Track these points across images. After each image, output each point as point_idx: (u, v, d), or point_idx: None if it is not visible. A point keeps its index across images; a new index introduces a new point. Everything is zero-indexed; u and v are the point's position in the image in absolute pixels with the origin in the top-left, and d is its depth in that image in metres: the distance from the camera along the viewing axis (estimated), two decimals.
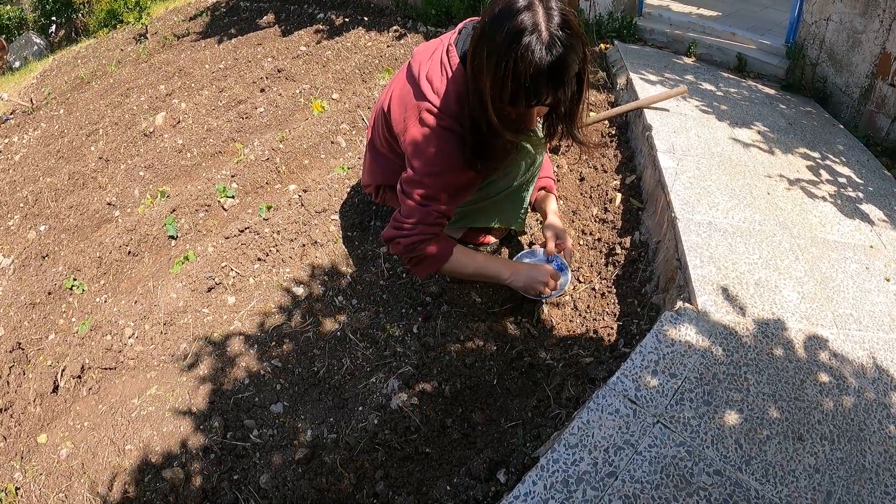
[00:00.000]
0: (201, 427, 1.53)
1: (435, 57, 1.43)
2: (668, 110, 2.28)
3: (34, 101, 5.23)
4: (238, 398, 1.58)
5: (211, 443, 1.48)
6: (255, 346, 1.74)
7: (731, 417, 1.21)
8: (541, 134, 1.56)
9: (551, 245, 1.75)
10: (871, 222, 1.89)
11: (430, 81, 1.40)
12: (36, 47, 7.20)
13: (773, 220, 1.73)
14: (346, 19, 4.57)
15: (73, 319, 2.47)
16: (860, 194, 2.04)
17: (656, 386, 1.23)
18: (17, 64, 7.12)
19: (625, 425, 1.17)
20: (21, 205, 3.52)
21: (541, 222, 1.90)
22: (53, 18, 7.55)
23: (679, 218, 1.64)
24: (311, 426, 1.49)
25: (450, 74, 1.37)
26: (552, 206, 1.85)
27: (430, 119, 1.38)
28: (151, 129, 3.67)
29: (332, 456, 1.39)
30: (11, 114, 5.32)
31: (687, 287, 1.45)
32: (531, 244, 1.97)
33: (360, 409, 1.49)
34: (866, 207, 1.97)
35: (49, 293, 2.59)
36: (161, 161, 3.19)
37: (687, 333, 1.33)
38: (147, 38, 5.87)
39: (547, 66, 1.18)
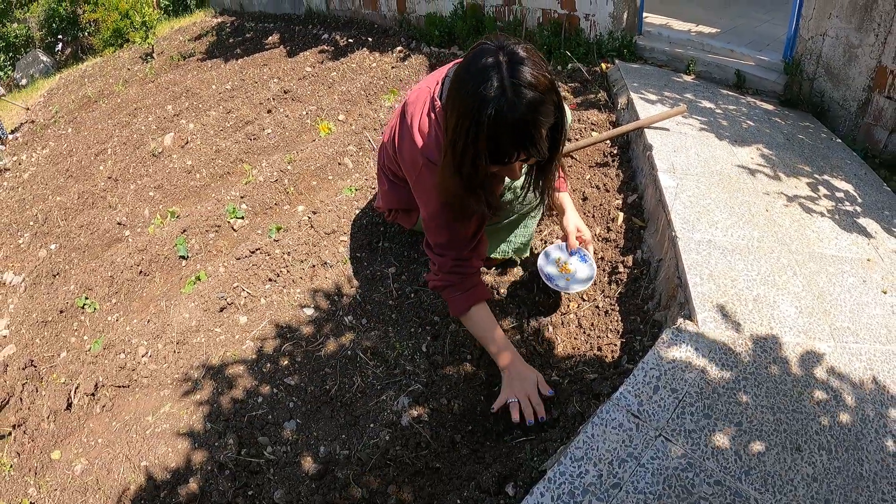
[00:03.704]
0: (216, 444, 1.59)
1: (424, 108, 1.48)
2: (668, 129, 2.36)
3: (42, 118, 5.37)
4: (252, 416, 1.65)
5: (226, 459, 1.53)
6: (268, 364, 1.81)
7: (731, 430, 1.26)
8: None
9: (572, 239, 1.82)
10: (868, 236, 1.95)
11: (421, 133, 1.45)
12: (42, 65, 7.39)
13: (771, 236, 1.80)
14: (351, 40, 4.69)
15: (86, 338, 2.54)
16: (857, 208, 2.11)
17: (658, 400, 1.29)
18: (23, 81, 7.30)
19: (628, 438, 1.23)
20: (31, 223, 3.62)
21: (557, 218, 1.93)
22: (60, 37, 7.74)
23: (679, 237, 1.70)
24: (323, 443, 1.55)
25: (438, 126, 1.42)
26: (567, 201, 1.88)
27: (426, 172, 1.44)
28: (160, 150, 3.77)
29: (345, 471, 1.45)
30: (18, 129, 5.45)
31: (687, 304, 1.51)
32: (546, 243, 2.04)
33: (372, 426, 1.55)
34: (864, 221, 2.03)
35: (61, 311, 2.66)
36: (170, 181, 3.28)
37: (687, 350, 1.39)
38: (153, 57, 6.02)
39: (512, 128, 1.16)
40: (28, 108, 5.27)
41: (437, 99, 1.44)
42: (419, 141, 1.46)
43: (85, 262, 3.08)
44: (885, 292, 1.70)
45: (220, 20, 6.74)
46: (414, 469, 1.43)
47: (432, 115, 1.45)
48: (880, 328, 1.56)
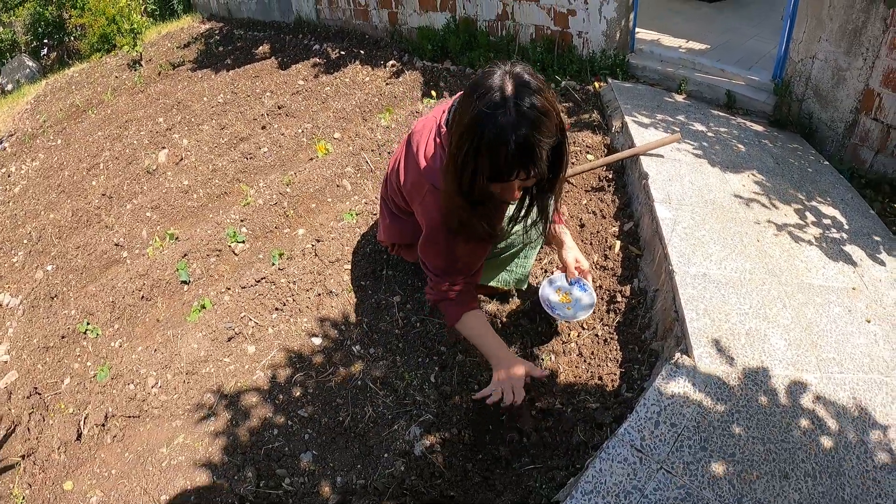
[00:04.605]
0: (235, 477, 1.69)
1: (430, 134, 1.58)
2: (662, 156, 2.49)
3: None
4: (268, 448, 1.75)
5: (246, 492, 1.64)
6: (280, 395, 1.91)
7: (725, 461, 1.39)
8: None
9: (572, 270, 1.92)
10: (853, 263, 2.09)
11: (426, 158, 1.55)
12: (28, 70, 7.40)
13: (762, 268, 1.93)
14: (343, 52, 4.77)
15: (89, 364, 2.61)
16: (844, 235, 2.25)
17: (659, 435, 1.42)
18: (9, 87, 7.30)
19: (632, 472, 1.35)
20: (24, 241, 3.66)
21: (556, 250, 2.04)
22: (46, 41, 7.75)
23: (676, 271, 1.83)
24: (340, 473, 1.66)
25: (443, 150, 1.51)
26: (565, 233, 1.99)
27: (431, 198, 1.54)
28: (154, 167, 3.83)
29: (363, 501, 1.56)
30: (5, 139, 5.47)
31: (684, 339, 1.64)
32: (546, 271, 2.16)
33: (386, 455, 1.66)
34: (849, 248, 2.17)
35: (62, 337, 2.73)
36: (167, 202, 3.35)
37: (685, 385, 1.52)
38: (142, 65, 6.05)
39: (514, 145, 1.23)
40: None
41: (444, 126, 1.52)
42: (423, 164, 1.55)
43: (82, 283, 3.14)
44: (868, 321, 1.83)
45: (208, 26, 6.78)
46: (429, 497, 1.55)
47: (438, 139, 1.54)
48: (863, 357, 1.70)
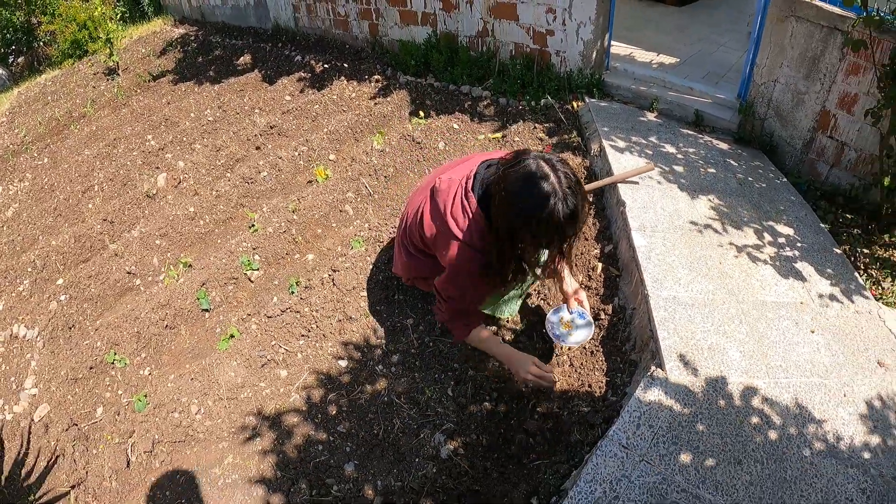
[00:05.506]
0: (291, 489, 2.11)
1: (456, 199, 2.01)
2: (637, 182, 2.95)
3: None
4: (316, 462, 2.17)
5: (301, 501, 2.06)
6: (319, 415, 2.33)
7: (691, 452, 1.87)
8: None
9: (572, 302, 2.37)
10: (803, 279, 2.58)
11: (455, 220, 1.99)
12: None
13: (723, 288, 2.41)
14: (326, 65, 5.12)
15: (120, 392, 2.93)
16: (796, 252, 2.74)
17: (640, 434, 1.89)
18: None
19: (621, 464, 1.82)
20: (29, 269, 3.93)
21: (557, 284, 2.48)
22: (14, 47, 7.89)
23: (651, 295, 2.30)
24: (379, 478, 2.09)
25: (471, 215, 1.96)
26: (564, 267, 2.42)
27: (458, 251, 1.98)
28: (154, 191, 4.16)
29: (402, 500, 2.00)
30: None
31: (658, 355, 2.11)
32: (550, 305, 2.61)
33: (417, 460, 2.10)
34: (800, 265, 2.66)
35: (90, 368, 3.04)
36: (174, 228, 3.70)
37: (659, 393, 1.99)
38: (119, 74, 6.27)
39: (566, 220, 1.72)
40: None
41: (470, 191, 1.98)
42: (452, 224, 2.00)
43: (98, 312, 3.44)
44: (812, 332, 2.32)
45: (181, 31, 7.02)
46: (458, 493, 2.00)
47: (466, 205, 1.98)
48: (806, 364, 2.19)
